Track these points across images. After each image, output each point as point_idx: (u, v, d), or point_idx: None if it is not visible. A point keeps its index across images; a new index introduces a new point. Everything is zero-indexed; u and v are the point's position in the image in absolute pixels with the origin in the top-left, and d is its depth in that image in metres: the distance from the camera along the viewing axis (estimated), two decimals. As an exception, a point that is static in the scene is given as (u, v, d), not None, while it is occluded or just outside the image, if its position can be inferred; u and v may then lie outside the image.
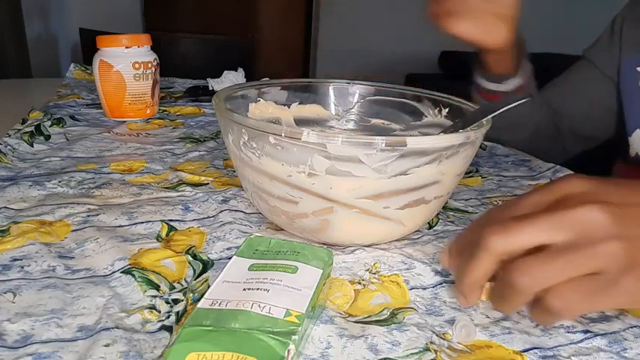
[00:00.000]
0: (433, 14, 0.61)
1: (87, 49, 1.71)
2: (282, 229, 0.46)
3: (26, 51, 2.04)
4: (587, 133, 0.82)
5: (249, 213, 0.49)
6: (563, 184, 0.32)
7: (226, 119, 0.42)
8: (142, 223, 0.46)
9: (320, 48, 3.15)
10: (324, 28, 3.11)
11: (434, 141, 0.38)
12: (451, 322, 0.35)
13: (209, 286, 0.32)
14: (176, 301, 0.35)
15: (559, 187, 0.32)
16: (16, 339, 0.30)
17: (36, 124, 0.71)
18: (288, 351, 0.27)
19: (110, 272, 0.38)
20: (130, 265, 0.39)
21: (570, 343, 0.33)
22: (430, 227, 0.49)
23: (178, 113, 0.87)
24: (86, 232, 0.43)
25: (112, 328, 0.31)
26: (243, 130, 0.40)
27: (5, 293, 0.34)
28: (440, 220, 0.50)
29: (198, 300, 0.30)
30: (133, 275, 0.37)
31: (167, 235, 0.44)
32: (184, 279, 0.38)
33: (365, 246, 0.44)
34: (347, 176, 0.38)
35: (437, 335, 0.33)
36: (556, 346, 0.33)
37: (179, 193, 0.53)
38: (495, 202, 0.56)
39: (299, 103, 0.57)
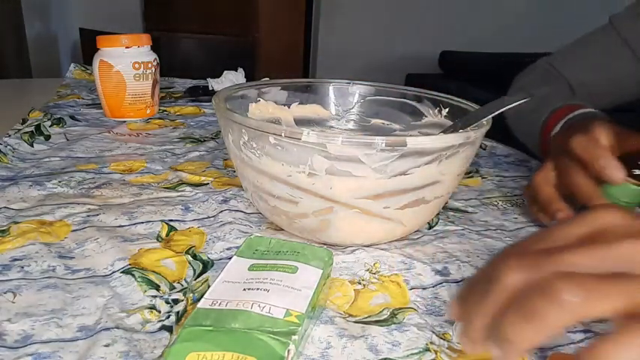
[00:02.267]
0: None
1: (87, 49, 1.71)
2: (282, 229, 0.46)
3: (26, 51, 2.04)
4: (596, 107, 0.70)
5: (249, 213, 0.49)
6: (599, 216, 0.26)
7: (226, 119, 0.42)
8: (142, 223, 0.46)
9: (320, 48, 3.15)
10: (324, 28, 3.11)
11: (434, 141, 0.38)
12: (451, 322, 0.35)
13: (209, 286, 0.32)
14: (176, 301, 0.35)
15: (594, 219, 0.26)
16: (16, 339, 0.30)
17: (36, 124, 0.71)
18: (288, 351, 0.27)
19: (110, 272, 0.38)
20: (130, 265, 0.39)
21: (570, 343, 0.33)
22: (430, 227, 0.49)
23: (178, 113, 0.87)
24: (86, 232, 0.43)
25: (112, 328, 0.31)
26: (243, 130, 0.40)
27: (5, 293, 0.34)
28: (440, 220, 0.50)
29: (198, 300, 0.30)
30: (133, 275, 0.37)
31: (167, 235, 0.44)
32: (184, 279, 0.38)
33: (365, 246, 0.44)
34: (347, 176, 0.38)
35: (437, 335, 0.33)
36: (556, 346, 0.33)
37: (179, 193, 0.53)
38: (495, 203, 0.56)
39: (299, 103, 0.57)
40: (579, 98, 0.71)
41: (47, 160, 0.60)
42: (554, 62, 0.77)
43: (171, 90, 1.04)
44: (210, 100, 0.51)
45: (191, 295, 0.36)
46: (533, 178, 0.50)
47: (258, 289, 0.31)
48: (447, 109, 0.53)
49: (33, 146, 0.64)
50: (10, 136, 0.65)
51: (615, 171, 0.43)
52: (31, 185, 0.51)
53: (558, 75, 0.75)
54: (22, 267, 0.37)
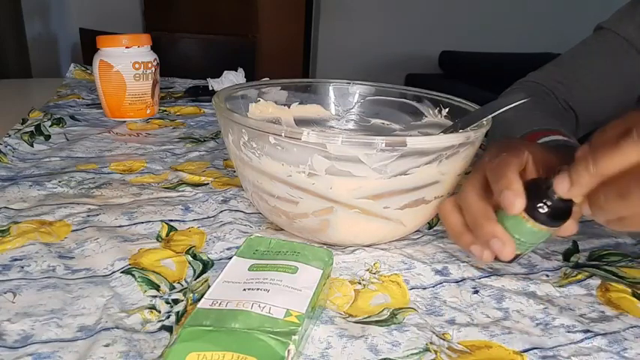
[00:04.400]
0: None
1: (87, 49, 1.71)
2: (282, 229, 0.46)
3: (26, 51, 2.03)
4: (603, 112, 0.70)
5: (249, 213, 0.49)
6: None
7: (226, 119, 0.42)
8: (142, 223, 0.46)
9: (320, 48, 3.15)
10: (324, 28, 3.11)
11: (434, 141, 0.38)
12: (451, 322, 0.35)
13: (209, 286, 0.32)
14: (176, 301, 0.35)
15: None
16: (16, 339, 0.30)
17: (36, 124, 0.71)
18: (288, 351, 0.27)
19: (110, 272, 0.38)
20: (130, 265, 0.39)
21: (570, 343, 0.33)
22: (430, 227, 0.49)
23: (178, 113, 0.87)
24: (86, 232, 0.43)
25: (112, 328, 0.31)
26: (243, 130, 0.40)
27: (5, 293, 0.34)
28: (440, 220, 0.50)
29: (198, 300, 0.30)
30: (133, 275, 0.37)
31: (167, 235, 0.44)
32: (184, 279, 0.38)
33: (365, 246, 0.44)
34: (347, 176, 0.38)
35: (437, 335, 0.33)
36: (556, 346, 0.33)
37: (179, 193, 0.53)
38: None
39: (299, 103, 0.57)
40: (579, 110, 0.71)
41: (47, 160, 0.60)
42: (541, 80, 0.73)
43: (171, 90, 1.04)
44: (210, 100, 0.51)
45: (191, 295, 0.36)
46: (439, 209, 0.41)
47: (258, 289, 0.31)
48: (447, 109, 0.53)
49: (33, 146, 0.64)
50: (10, 136, 0.65)
51: (513, 198, 0.34)
52: (31, 185, 0.51)
53: (548, 92, 0.72)
54: (22, 267, 0.37)
